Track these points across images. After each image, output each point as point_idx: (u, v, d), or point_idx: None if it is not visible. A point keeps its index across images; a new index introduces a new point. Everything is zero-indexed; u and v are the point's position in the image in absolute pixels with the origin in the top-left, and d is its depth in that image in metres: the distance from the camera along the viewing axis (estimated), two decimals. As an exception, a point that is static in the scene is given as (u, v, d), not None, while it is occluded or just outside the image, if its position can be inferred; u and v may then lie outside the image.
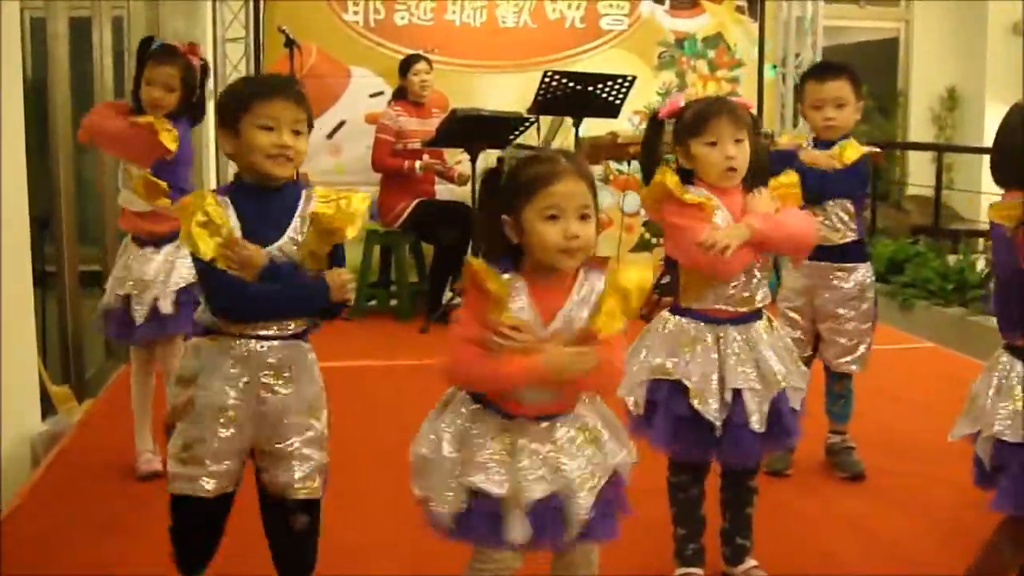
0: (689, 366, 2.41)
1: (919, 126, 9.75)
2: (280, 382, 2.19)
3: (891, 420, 4.01)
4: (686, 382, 2.40)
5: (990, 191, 2.23)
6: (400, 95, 5.98)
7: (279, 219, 2.13)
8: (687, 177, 2.47)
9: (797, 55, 7.06)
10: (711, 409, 2.38)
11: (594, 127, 5.89)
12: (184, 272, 3.16)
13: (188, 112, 3.28)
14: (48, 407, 3.91)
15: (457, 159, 6.13)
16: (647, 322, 2.61)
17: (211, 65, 6.09)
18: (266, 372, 2.16)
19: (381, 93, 6.37)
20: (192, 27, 6.46)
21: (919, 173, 9.32)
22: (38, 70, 4.51)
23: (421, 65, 5.90)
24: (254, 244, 2.07)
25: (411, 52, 6.08)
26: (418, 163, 5.83)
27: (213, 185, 6.18)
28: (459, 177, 6.00)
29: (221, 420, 2.12)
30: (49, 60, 4.32)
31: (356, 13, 6.47)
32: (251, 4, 6.27)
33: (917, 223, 8.65)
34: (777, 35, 7.07)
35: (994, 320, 2.26)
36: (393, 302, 6.10)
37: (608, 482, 1.96)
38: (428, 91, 5.95)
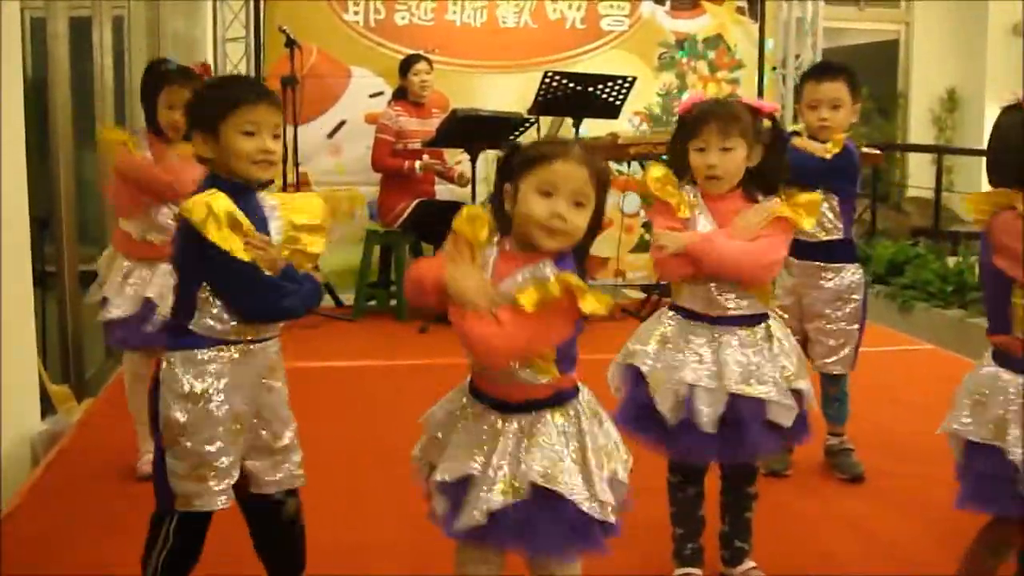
0: (658, 357, 2.43)
1: (919, 128, 9.75)
2: (273, 379, 2.21)
3: (890, 421, 4.01)
4: (643, 368, 2.42)
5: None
6: (400, 95, 5.99)
7: (262, 219, 2.13)
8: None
9: (797, 56, 7.07)
10: (665, 403, 2.39)
11: (594, 128, 5.89)
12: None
13: None
14: (48, 407, 3.91)
15: (457, 159, 6.14)
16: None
17: (212, 65, 6.14)
18: (264, 371, 2.18)
19: (381, 93, 6.37)
20: (192, 27, 6.47)
21: (919, 175, 9.33)
22: (38, 70, 4.51)
23: (421, 65, 5.90)
24: None
25: (411, 52, 6.08)
26: (418, 163, 5.84)
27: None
28: (459, 177, 6.00)
29: (235, 428, 2.11)
30: (49, 60, 4.31)
31: (356, 13, 6.47)
32: (251, 4, 6.27)
33: (917, 225, 8.66)
34: (777, 36, 7.08)
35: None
36: (393, 302, 6.10)
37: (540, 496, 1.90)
38: (428, 91, 5.95)
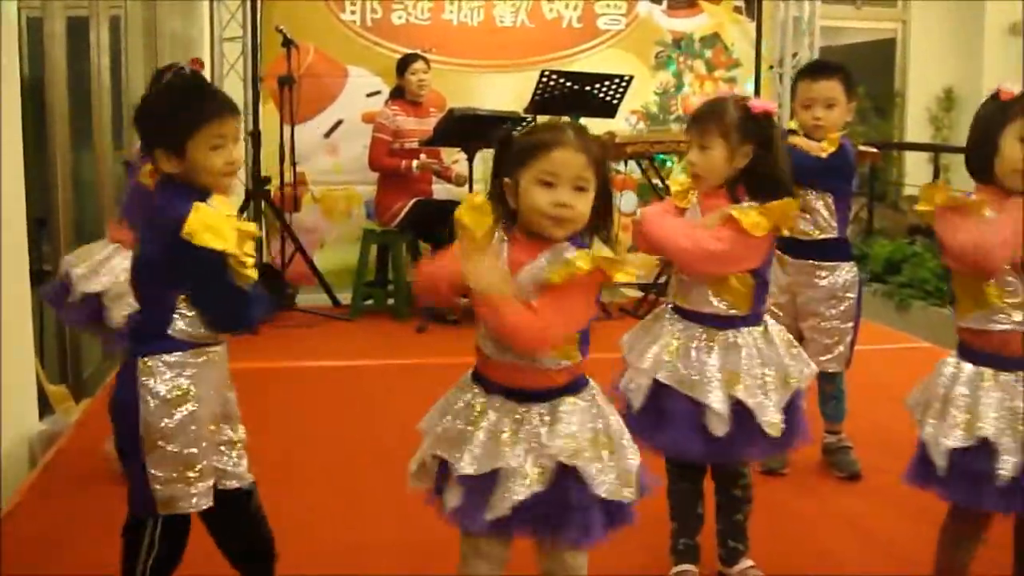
0: (645, 349, 2.44)
1: (916, 126, 9.74)
2: (230, 379, 2.24)
3: (888, 420, 4.00)
4: (626, 356, 2.45)
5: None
6: (397, 94, 5.99)
7: None
8: None
9: (794, 55, 7.07)
10: (639, 392, 2.40)
11: (591, 127, 5.87)
12: None
13: None
14: (45, 407, 3.91)
15: (454, 158, 6.14)
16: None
17: (208, 65, 6.14)
18: (226, 372, 2.21)
19: (378, 92, 6.38)
20: (189, 27, 6.46)
21: (916, 173, 9.32)
22: (35, 69, 4.50)
23: (419, 64, 5.90)
24: None
25: (408, 51, 6.08)
26: (415, 162, 5.84)
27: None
28: (456, 177, 6.01)
29: (212, 428, 2.14)
30: (46, 60, 4.31)
31: (353, 13, 6.47)
32: (248, 4, 6.26)
33: (914, 223, 8.65)
34: (774, 35, 7.08)
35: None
36: (390, 301, 6.10)
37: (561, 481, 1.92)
38: (425, 90, 5.95)
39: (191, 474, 2.08)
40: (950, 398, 2.20)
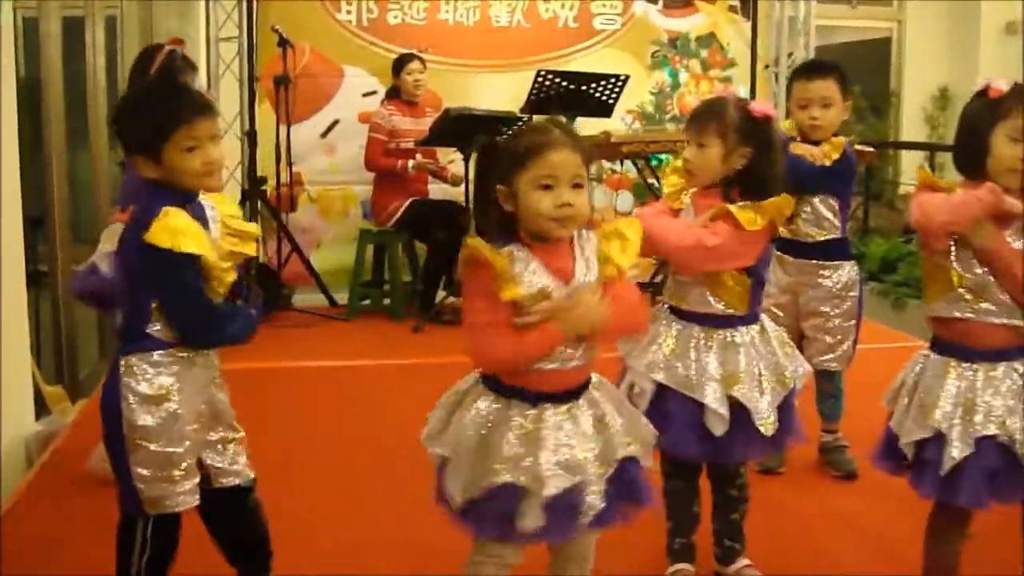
0: (644, 350, 2.44)
1: (911, 126, 9.76)
2: (220, 378, 2.24)
3: (883, 419, 4.01)
4: (625, 357, 2.46)
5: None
6: (393, 94, 5.98)
7: (204, 222, 2.11)
8: None
9: (790, 55, 7.07)
10: (643, 396, 2.41)
11: (587, 126, 5.90)
12: None
13: None
14: (42, 407, 3.90)
15: (450, 158, 6.14)
16: None
17: (204, 65, 6.14)
18: (213, 371, 2.21)
19: (374, 92, 6.37)
20: (185, 26, 6.45)
21: (912, 172, 9.31)
22: (31, 69, 4.50)
23: (414, 64, 5.90)
24: None
25: (404, 51, 6.08)
26: (411, 162, 5.83)
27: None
28: (452, 177, 6.00)
29: (196, 427, 2.13)
30: (42, 60, 4.30)
31: (349, 12, 6.47)
32: (244, 4, 6.25)
33: (909, 222, 8.66)
34: (770, 35, 7.08)
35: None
36: (386, 301, 6.10)
37: (617, 470, 1.98)
38: (421, 90, 5.95)
39: (176, 473, 2.08)
40: (915, 389, 2.24)
